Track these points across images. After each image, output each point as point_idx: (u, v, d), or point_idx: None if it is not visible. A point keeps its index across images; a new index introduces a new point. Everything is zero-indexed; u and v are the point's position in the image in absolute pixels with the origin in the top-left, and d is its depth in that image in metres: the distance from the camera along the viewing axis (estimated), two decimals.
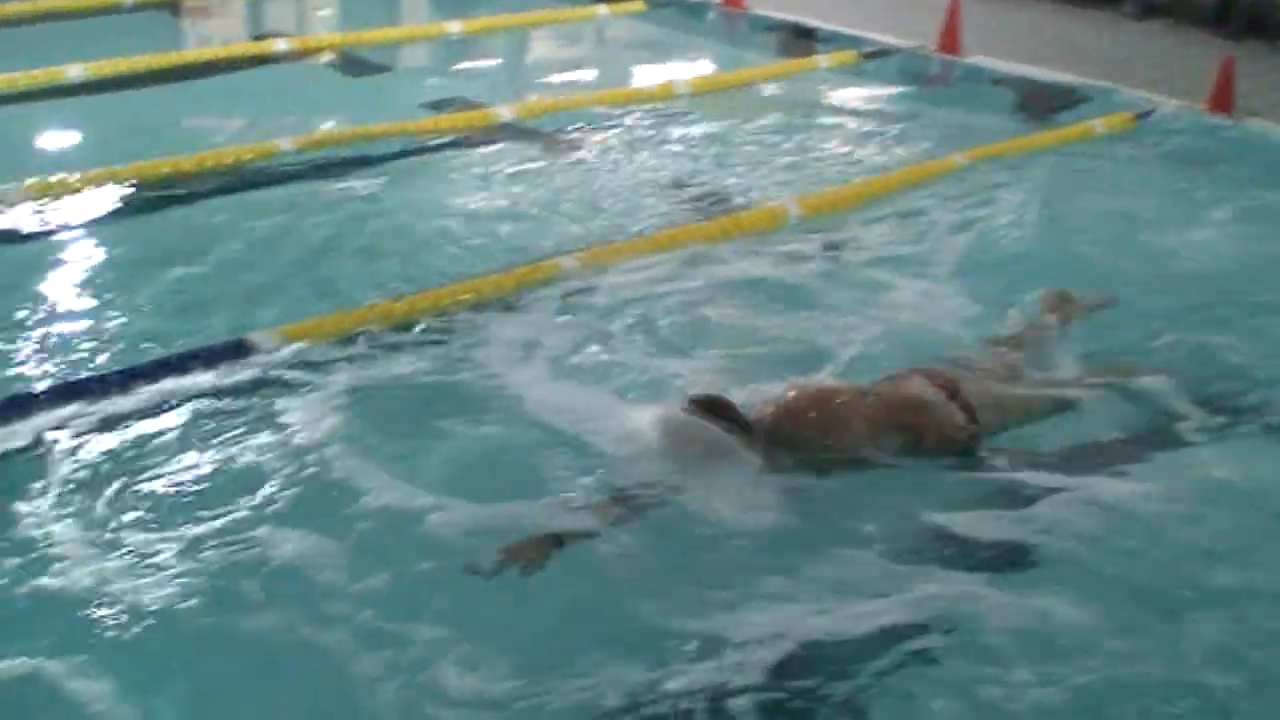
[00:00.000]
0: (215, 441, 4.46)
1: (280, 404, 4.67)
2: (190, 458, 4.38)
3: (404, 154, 7.35)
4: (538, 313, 5.42)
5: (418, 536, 3.91)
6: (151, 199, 6.60)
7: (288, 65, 9.10)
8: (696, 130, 7.90)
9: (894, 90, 8.86)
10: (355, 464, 4.30)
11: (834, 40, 9.80)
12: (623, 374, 4.91)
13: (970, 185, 6.96)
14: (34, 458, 4.32)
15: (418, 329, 5.26)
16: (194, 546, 3.89)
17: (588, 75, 9.19)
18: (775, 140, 7.80)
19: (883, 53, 9.49)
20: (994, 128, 8.09)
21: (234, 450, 4.41)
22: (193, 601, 3.66)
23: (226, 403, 4.68)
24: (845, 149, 7.73)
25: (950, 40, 9.33)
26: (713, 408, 4.22)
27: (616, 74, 9.15)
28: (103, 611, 3.62)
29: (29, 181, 6.58)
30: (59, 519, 4.01)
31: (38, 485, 4.17)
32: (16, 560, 3.82)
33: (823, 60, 9.43)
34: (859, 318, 5.39)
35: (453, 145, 7.53)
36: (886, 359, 4.91)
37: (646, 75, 9.05)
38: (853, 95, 8.79)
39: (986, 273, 5.83)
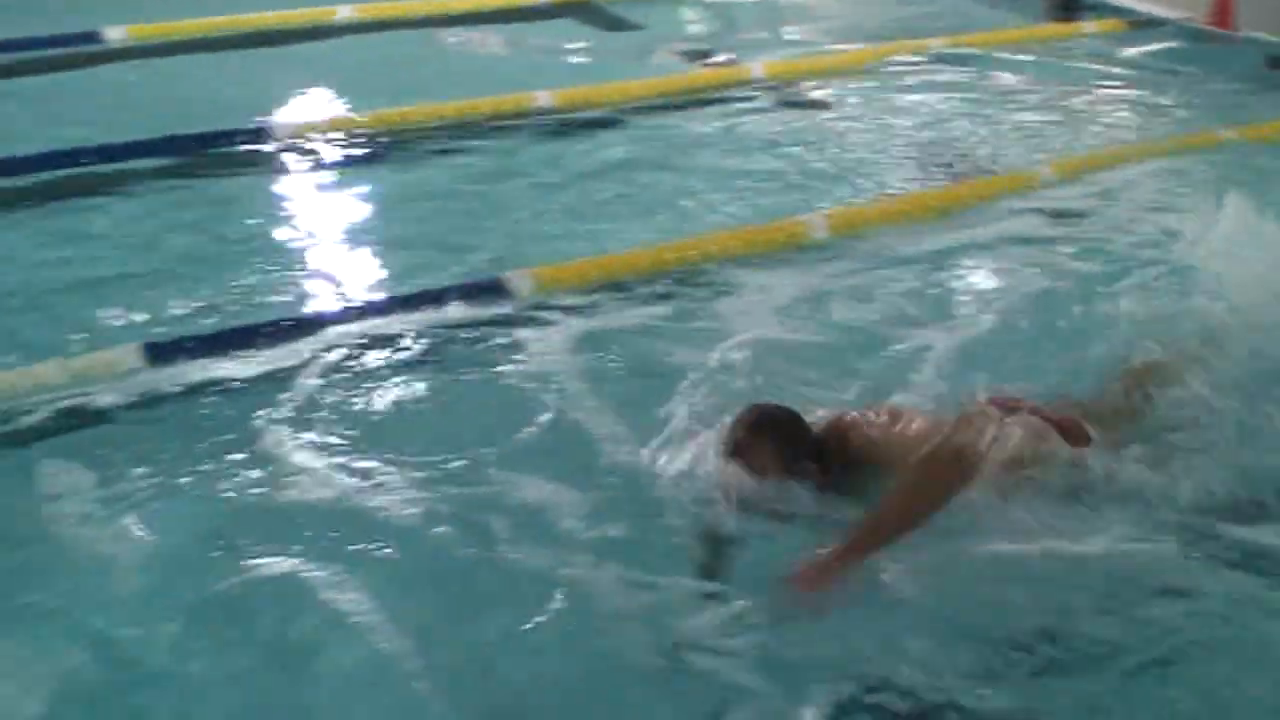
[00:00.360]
0: (465, 376, 4.63)
1: (529, 344, 4.81)
2: (441, 389, 4.55)
3: (655, 109, 7.41)
4: (782, 271, 5.43)
5: (652, 493, 3.91)
6: (413, 142, 6.82)
7: (543, 18, 9.24)
8: (951, 91, 7.80)
9: (1159, 61, 8.53)
10: (595, 411, 4.36)
11: (1100, 7, 9.55)
12: (862, 341, 4.88)
13: (1231, 162, 6.64)
14: (300, 380, 4.54)
15: (664, 280, 5.35)
16: (439, 478, 3.99)
17: (841, 31, 9.08)
18: (1031, 104, 7.66)
19: (1150, 22, 9.21)
20: (1262, 106, 7.73)
21: (482, 386, 4.58)
22: (439, 528, 3.76)
23: (478, 339, 4.85)
24: (1103, 116, 7.53)
25: (1222, 13, 8.98)
26: (773, 425, 3.83)
27: (871, 31, 9.03)
28: (353, 529, 3.74)
29: (301, 120, 6.91)
30: (317, 439, 4.19)
31: (299, 404, 4.39)
32: (273, 472, 4.03)
33: (1088, 26, 9.22)
34: (1104, 304, 5.10)
35: (704, 101, 7.56)
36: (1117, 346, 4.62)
37: (902, 34, 8.91)
38: (1116, 63, 8.50)
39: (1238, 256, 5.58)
